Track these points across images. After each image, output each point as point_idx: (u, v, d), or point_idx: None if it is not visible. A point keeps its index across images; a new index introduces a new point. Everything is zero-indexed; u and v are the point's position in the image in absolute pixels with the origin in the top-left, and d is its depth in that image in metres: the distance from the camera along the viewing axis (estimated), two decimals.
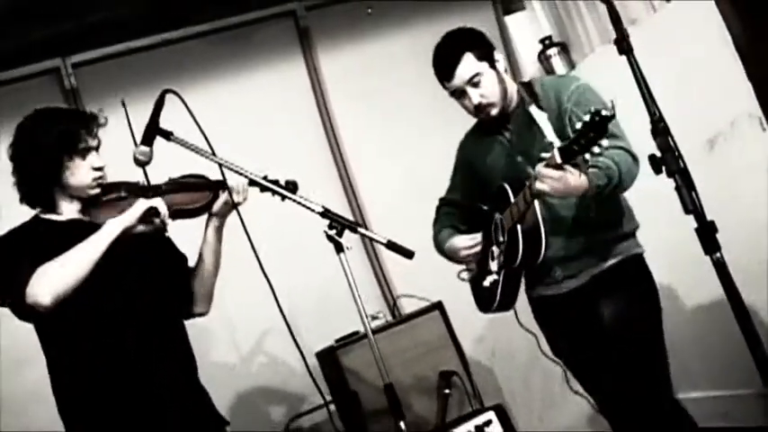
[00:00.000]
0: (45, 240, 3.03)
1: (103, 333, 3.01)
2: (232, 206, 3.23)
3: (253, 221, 3.16)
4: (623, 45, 2.51)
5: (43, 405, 3.46)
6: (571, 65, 5.65)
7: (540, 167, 3.00)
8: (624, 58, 2.56)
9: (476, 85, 3.44)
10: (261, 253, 3.11)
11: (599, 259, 3.46)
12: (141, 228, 3.01)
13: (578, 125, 2.74)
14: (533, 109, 3.31)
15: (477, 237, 3.67)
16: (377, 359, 3.03)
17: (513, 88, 3.55)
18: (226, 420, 3.27)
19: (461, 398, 4.66)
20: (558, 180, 2.98)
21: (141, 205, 2.99)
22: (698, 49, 4.54)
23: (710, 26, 4.44)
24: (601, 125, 2.68)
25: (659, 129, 2.41)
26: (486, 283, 3.63)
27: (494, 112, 3.49)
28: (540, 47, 5.73)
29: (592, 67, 5.27)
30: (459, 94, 3.50)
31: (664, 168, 2.41)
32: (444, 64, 3.50)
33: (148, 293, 3.13)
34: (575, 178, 2.98)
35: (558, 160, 2.89)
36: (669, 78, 4.31)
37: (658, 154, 2.41)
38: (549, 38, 5.72)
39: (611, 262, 3.45)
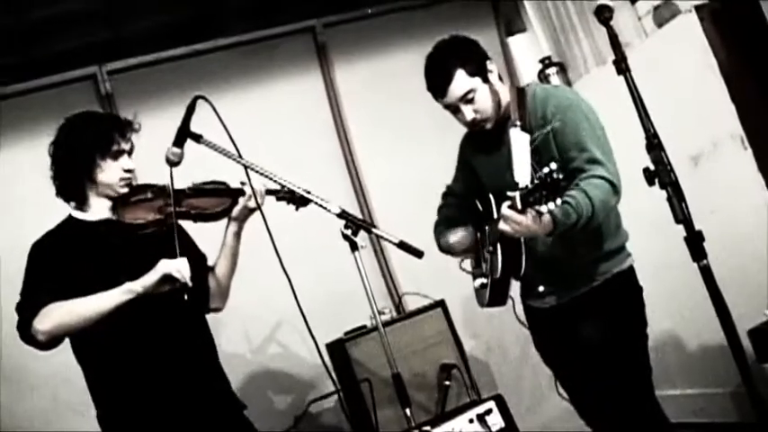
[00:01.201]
0: (76, 242, 3.07)
1: (129, 325, 3.01)
2: (251, 210, 3.25)
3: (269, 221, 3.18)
4: (622, 66, 2.51)
5: (70, 385, 3.47)
6: (567, 84, 5.65)
7: (503, 208, 2.90)
8: (617, 78, 2.56)
9: (469, 101, 3.25)
10: (281, 251, 3.12)
11: (581, 281, 3.32)
12: (162, 288, 2.96)
13: (537, 174, 2.67)
14: (514, 133, 3.17)
15: (470, 235, 3.59)
16: (386, 350, 3.02)
17: (507, 98, 3.35)
18: (243, 404, 3.29)
19: (460, 389, 4.66)
20: (518, 223, 2.88)
21: (159, 270, 2.94)
22: (685, 71, 4.56)
23: (697, 51, 4.46)
24: (553, 186, 2.62)
25: (653, 144, 2.41)
26: (477, 284, 3.59)
27: (488, 125, 3.33)
28: (539, 66, 5.74)
29: (586, 86, 5.27)
30: (452, 109, 3.32)
31: (656, 181, 2.41)
32: (436, 82, 3.29)
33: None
34: (536, 222, 2.87)
35: (519, 205, 2.80)
36: (657, 98, 4.29)
37: (652, 167, 2.41)
38: (549, 58, 5.72)
39: (593, 284, 3.31)
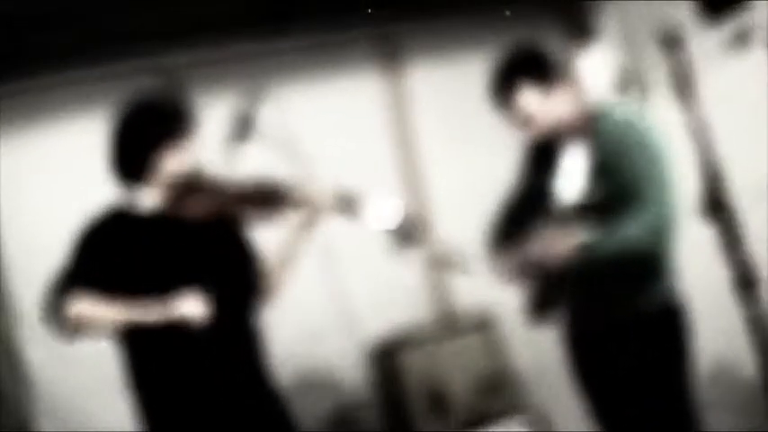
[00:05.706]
0: (123, 239, 3.06)
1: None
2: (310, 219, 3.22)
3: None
4: (690, 92, 2.43)
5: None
6: (637, 103, 5.53)
7: (540, 232, 3.02)
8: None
9: (532, 119, 3.22)
10: (327, 254, 3.10)
11: (618, 308, 3.23)
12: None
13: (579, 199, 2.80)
14: (571, 152, 3.16)
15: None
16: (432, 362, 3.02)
17: (574, 116, 3.26)
18: (284, 399, 3.32)
19: (504, 406, 4.61)
20: (548, 248, 2.98)
21: (172, 311, 2.91)
22: (752, 105, 4.38)
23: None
24: (589, 212, 2.73)
25: (717, 176, 2.33)
26: (521, 301, 3.53)
27: (549, 137, 3.27)
28: (608, 81, 5.64)
29: (656, 106, 5.11)
30: (514, 123, 3.30)
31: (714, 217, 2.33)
32: (500, 95, 3.26)
33: (214, 280, 3.09)
34: (568, 249, 2.92)
35: (557, 225, 2.93)
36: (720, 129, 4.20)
37: (712, 203, 2.34)
38: (618, 75, 5.61)
39: (635, 312, 3.20)
